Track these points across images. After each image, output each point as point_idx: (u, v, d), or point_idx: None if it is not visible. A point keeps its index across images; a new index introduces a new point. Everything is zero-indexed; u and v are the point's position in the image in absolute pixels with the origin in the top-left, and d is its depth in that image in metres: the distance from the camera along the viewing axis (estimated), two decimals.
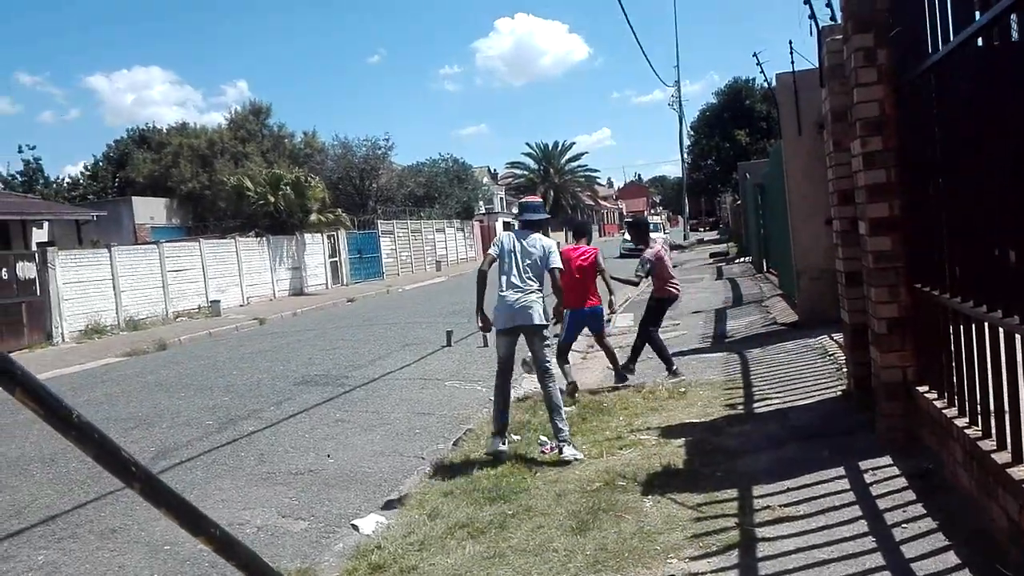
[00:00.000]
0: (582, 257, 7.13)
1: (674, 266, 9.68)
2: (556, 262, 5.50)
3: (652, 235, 8.64)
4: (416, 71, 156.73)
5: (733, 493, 3.92)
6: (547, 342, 5.51)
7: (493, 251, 5.55)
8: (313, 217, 26.60)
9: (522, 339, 5.45)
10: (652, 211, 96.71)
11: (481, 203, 49.18)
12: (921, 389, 3.91)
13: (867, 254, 4.19)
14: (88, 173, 36.64)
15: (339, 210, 28.72)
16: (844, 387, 5.53)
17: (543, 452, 5.33)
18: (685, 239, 41.00)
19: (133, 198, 29.45)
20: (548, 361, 5.45)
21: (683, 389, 6.69)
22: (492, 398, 5.82)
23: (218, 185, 28.91)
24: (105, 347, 14.65)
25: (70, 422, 1.88)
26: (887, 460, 3.94)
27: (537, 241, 5.52)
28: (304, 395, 8.56)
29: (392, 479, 5.41)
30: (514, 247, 5.46)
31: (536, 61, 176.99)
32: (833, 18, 6.38)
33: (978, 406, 3.12)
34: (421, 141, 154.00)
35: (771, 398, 5.94)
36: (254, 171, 28.50)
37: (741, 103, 43.31)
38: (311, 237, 26.41)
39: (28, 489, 5.82)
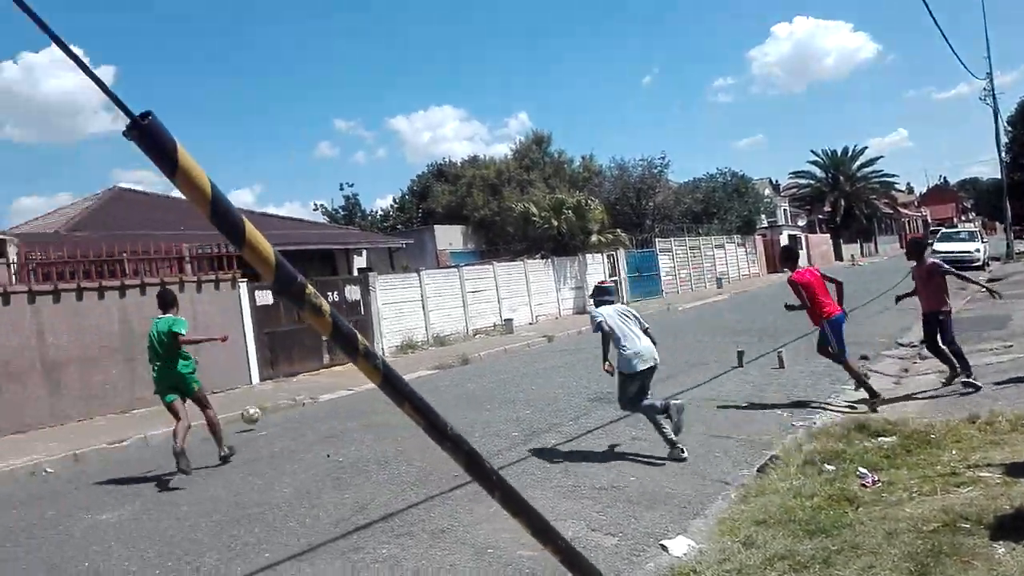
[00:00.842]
0: (810, 272, 8.44)
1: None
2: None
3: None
4: (689, 86, 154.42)
5: None
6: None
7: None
8: (594, 238, 27.46)
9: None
10: (963, 217, 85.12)
11: (763, 216, 46.74)
12: None
13: None
14: (396, 205, 41.63)
15: (618, 230, 29.25)
16: None
17: (864, 485, 4.92)
18: (1009, 247, 34.82)
19: (435, 226, 32.78)
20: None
21: None
22: (790, 424, 5.48)
23: (506, 211, 31.02)
24: (417, 361, 16.40)
25: (446, 434, 2.14)
26: None
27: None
28: (599, 411, 8.81)
29: (696, 502, 5.35)
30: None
31: (817, 64, 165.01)
32: None
33: None
34: (696, 156, 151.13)
35: None
36: (538, 196, 30.15)
37: None
38: (592, 257, 27.22)
39: (368, 488, 6.55)
